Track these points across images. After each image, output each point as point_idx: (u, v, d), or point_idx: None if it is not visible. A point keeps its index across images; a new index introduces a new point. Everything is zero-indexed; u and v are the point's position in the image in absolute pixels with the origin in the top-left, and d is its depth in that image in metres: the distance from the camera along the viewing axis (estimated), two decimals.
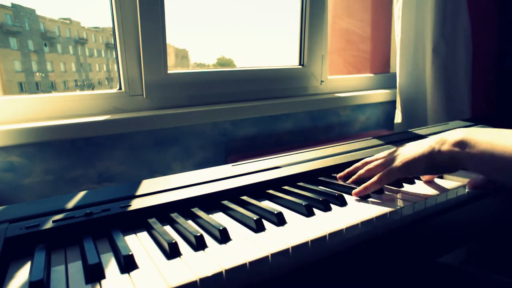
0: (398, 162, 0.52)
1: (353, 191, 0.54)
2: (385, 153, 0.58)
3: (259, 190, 0.57)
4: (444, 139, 0.50)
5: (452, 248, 0.58)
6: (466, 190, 0.56)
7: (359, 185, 0.54)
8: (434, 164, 0.50)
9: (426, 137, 0.83)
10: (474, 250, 0.76)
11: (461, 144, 0.47)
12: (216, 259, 0.36)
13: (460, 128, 0.51)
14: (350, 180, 0.58)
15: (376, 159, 0.58)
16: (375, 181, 0.53)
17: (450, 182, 0.58)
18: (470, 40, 1.22)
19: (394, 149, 0.58)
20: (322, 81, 1.22)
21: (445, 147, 0.49)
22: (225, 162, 1.00)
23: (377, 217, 0.46)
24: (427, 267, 0.56)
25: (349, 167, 0.67)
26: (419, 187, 0.57)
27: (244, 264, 0.35)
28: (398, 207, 0.48)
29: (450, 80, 1.20)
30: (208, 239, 0.42)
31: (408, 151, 0.53)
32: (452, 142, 0.48)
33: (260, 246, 0.38)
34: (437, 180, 0.59)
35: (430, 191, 0.54)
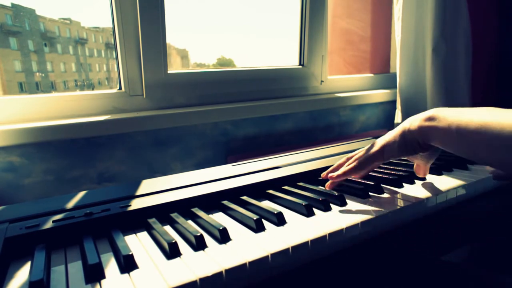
0: (374, 148, 0.55)
1: (328, 175, 0.57)
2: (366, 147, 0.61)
3: (259, 190, 0.57)
4: (415, 117, 0.52)
5: (454, 247, 0.58)
6: (465, 190, 0.56)
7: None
8: (405, 142, 0.52)
9: None
10: (476, 249, 0.76)
11: (430, 119, 0.49)
12: (216, 259, 0.36)
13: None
14: (335, 174, 0.58)
15: (357, 153, 0.60)
16: (353, 166, 0.55)
17: (450, 182, 0.58)
18: (470, 40, 1.22)
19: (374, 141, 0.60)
20: (322, 81, 1.22)
21: (415, 124, 0.51)
22: (225, 162, 1.00)
23: (377, 217, 0.46)
24: (428, 266, 0.56)
25: None
26: (419, 187, 0.57)
27: (244, 264, 0.35)
28: (398, 207, 0.48)
29: (450, 80, 1.20)
30: (208, 239, 0.42)
31: (383, 137, 0.56)
32: (423, 118, 0.50)
33: (260, 246, 0.38)
34: (437, 180, 0.59)
35: (430, 191, 0.54)
